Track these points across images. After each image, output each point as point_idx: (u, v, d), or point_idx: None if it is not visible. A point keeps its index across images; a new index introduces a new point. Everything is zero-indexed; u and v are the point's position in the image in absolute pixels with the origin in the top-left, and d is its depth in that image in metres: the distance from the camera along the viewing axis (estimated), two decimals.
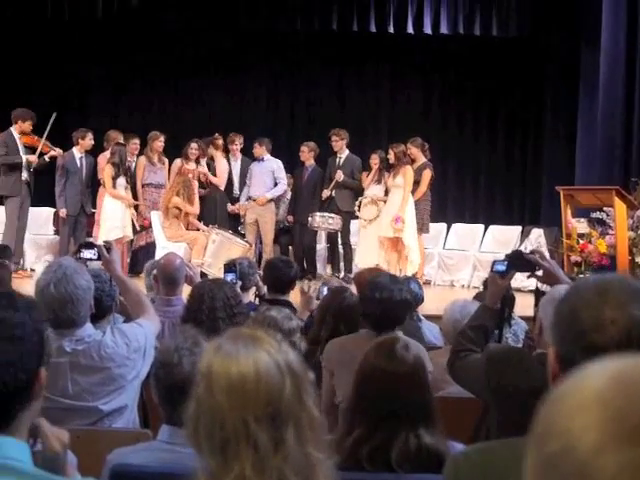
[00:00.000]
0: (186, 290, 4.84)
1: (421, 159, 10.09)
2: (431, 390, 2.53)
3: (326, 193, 10.39)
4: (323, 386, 3.59)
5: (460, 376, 3.09)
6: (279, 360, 1.60)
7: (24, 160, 9.59)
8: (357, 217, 10.24)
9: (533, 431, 0.84)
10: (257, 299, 5.54)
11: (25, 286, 6.65)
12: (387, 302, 3.77)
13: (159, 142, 10.36)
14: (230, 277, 4.89)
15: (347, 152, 10.58)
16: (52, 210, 10.54)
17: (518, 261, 3.22)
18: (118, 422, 3.19)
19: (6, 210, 9.69)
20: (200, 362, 1.63)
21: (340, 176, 10.30)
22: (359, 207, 10.12)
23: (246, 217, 10.39)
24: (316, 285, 4.86)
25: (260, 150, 10.48)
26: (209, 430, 1.54)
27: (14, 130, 9.69)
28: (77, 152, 10.14)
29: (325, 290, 4.84)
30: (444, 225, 11.50)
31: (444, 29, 11.62)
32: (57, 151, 9.92)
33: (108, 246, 3.72)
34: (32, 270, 10.07)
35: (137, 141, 10.48)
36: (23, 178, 9.61)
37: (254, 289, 5.57)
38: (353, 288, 5.46)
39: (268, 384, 1.57)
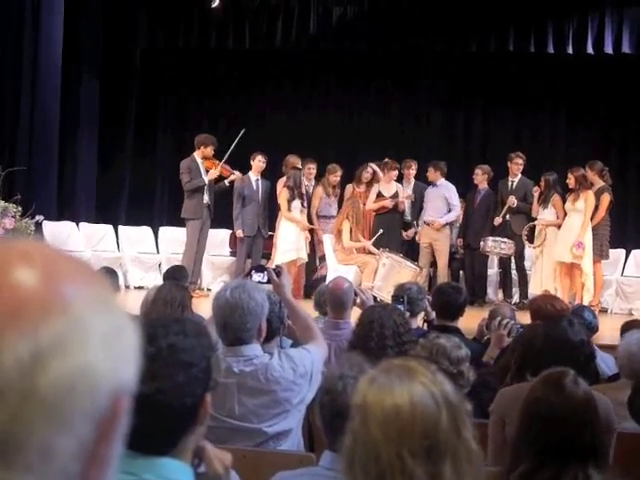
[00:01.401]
0: (355, 314, 4.87)
1: (599, 183, 9.73)
2: (603, 428, 2.41)
3: (497, 220, 10.24)
4: (490, 433, 3.38)
5: None
6: (434, 391, 1.56)
7: (206, 181, 9.94)
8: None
9: None
10: (425, 324, 5.49)
11: (202, 306, 6.88)
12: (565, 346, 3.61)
13: (334, 177, 10.50)
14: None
15: (519, 176, 10.42)
16: (229, 232, 10.84)
17: None
18: (282, 445, 3.22)
19: (187, 232, 10.05)
20: (354, 396, 1.62)
21: (513, 202, 10.13)
22: (527, 234, 9.92)
23: (421, 241, 10.39)
24: (508, 322, 4.75)
25: (434, 175, 10.44)
26: (364, 463, 1.52)
27: (197, 155, 10.07)
28: (253, 175, 10.40)
29: (517, 327, 4.74)
30: (623, 251, 11.04)
31: (626, 48, 11.23)
32: (236, 174, 10.22)
33: (278, 270, 3.78)
34: (209, 290, 10.39)
35: (313, 166, 10.63)
36: (204, 201, 9.96)
37: (422, 314, 5.53)
38: (527, 315, 5.33)
39: (424, 415, 1.53)
